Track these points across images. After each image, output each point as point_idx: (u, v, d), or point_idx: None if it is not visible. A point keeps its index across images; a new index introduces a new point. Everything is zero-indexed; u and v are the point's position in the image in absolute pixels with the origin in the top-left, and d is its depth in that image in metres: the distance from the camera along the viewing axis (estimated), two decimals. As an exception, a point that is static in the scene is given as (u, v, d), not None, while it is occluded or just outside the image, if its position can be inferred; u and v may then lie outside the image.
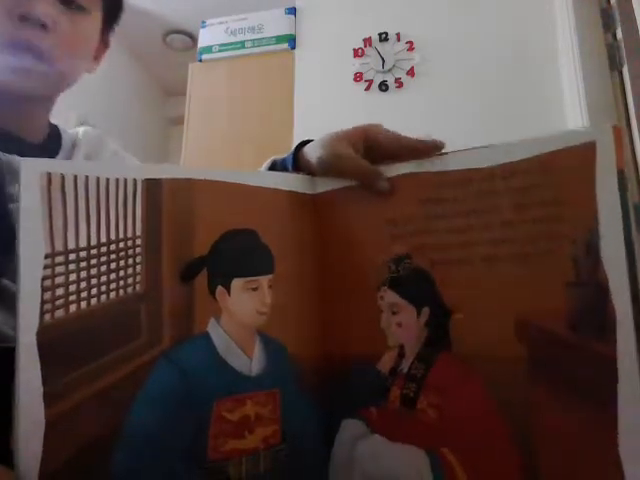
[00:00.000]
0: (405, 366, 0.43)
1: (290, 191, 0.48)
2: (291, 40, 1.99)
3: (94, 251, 0.40)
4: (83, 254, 0.39)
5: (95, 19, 0.59)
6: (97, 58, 0.64)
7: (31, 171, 0.38)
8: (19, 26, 0.50)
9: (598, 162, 0.38)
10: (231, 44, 2.08)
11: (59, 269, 0.38)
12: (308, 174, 0.50)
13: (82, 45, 0.58)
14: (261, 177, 0.47)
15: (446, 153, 0.46)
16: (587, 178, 0.38)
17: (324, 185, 0.49)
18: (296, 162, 0.54)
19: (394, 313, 0.44)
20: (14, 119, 0.56)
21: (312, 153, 0.51)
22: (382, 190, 0.46)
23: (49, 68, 0.53)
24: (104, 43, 0.65)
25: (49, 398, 0.36)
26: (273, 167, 0.59)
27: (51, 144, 0.62)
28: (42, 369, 0.36)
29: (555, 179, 0.40)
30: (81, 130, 0.69)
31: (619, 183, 0.37)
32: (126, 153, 0.72)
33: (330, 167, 0.49)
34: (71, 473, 0.36)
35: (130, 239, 0.41)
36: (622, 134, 0.38)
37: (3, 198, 0.50)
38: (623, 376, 0.35)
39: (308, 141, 0.55)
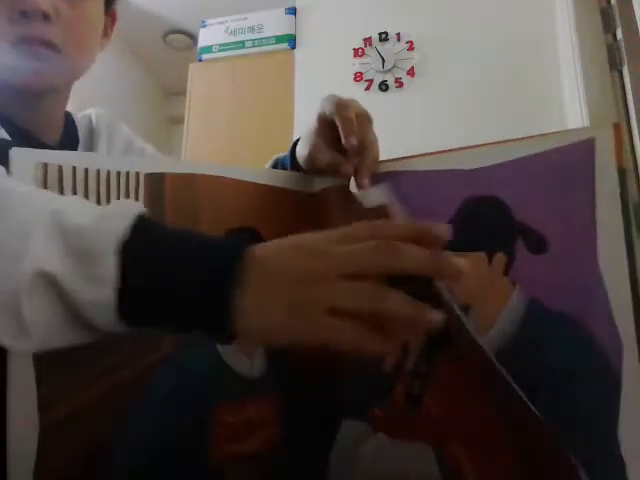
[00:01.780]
0: (409, 364, 0.43)
1: (289, 189, 0.48)
2: (291, 40, 1.99)
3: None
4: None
5: None
6: (107, 34, 0.62)
7: (23, 161, 0.36)
8: (22, 22, 0.49)
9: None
10: (231, 44, 2.08)
11: None
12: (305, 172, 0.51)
13: (88, 29, 0.56)
14: (261, 174, 0.48)
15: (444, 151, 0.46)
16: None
17: (320, 183, 0.49)
18: (293, 161, 0.55)
19: None
20: (32, 117, 0.55)
21: (298, 154, 0.52)
22: (359, 183, 0.46)
23: (61, 58, 0.52)
24: (111, 16, 0.62)
25: (44, 403, 0.35)
26: (275, 166, 0.60)
27: (68, 138, 0.61)
28: (36, 372, 0.36)
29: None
30: (93, 114, 0.66)
31: (620, 182, 0.37)
32: (136, 137, 0.70)
33: (310, 168, 0.50)
34: (73, 474, 0.36)
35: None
36: (622, 132, 0.37)
37: None
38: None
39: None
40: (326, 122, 0.49)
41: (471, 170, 0.42)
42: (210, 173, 0.44)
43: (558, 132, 0.40)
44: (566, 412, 0.37)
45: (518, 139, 0.41)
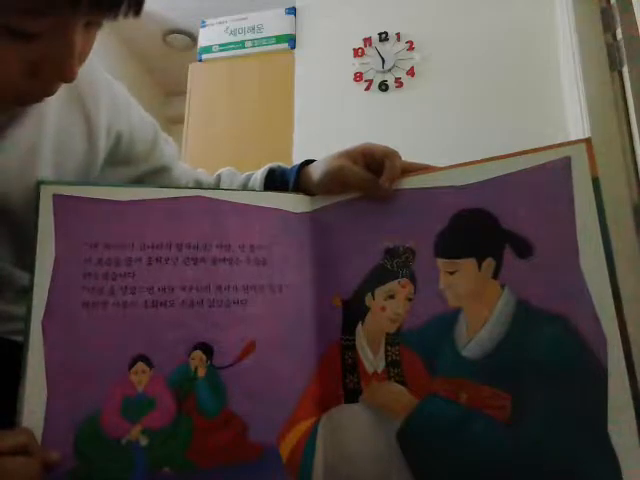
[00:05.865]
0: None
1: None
2: (291, 40, 1.99)
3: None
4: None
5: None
6: None
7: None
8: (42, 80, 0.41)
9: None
10: (231, 44, 2.08)
11: None
12: (308, 192, 0.54)
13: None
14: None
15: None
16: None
17: (319, 202, 0.52)
18: (297, 178, 0.57)
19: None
20: None
21: (316, 169, 0.55)
22: (382, 196, 0.49)
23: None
24: None
25: None
26: (271, 174, 0.62)
27: None
28: None
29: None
30: None
31: (594, 190, 0.40)
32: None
33: (333, 179, 0.52)
34: None
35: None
36: (593, 146, 0.42)
37: None
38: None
39: (311, 161, 0.59)
40: (365, 155, 0.52)
41: (462, 186, 0.45)
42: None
43: (539, 149, 0.43)
44: (556, 409, 0.38)
45: (504, 156, 0.45)
